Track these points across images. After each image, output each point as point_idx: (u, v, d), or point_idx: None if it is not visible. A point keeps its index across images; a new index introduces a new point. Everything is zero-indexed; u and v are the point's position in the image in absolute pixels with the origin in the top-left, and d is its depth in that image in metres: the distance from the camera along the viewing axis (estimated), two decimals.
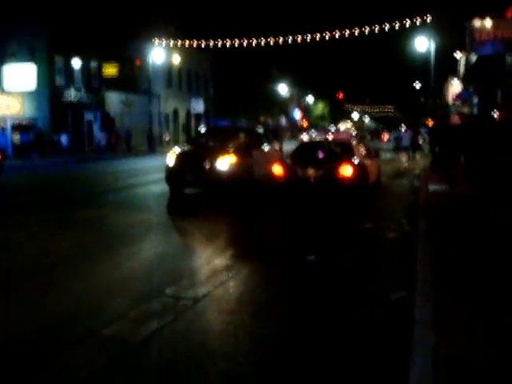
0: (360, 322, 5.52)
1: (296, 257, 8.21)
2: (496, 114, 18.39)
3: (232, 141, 15.13)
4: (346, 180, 12.60)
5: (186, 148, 16.03)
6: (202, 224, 10.75)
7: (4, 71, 31.77)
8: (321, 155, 13.71)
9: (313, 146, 15.83)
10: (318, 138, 31.22)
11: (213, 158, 13.89)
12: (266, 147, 16.29)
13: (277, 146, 17.82)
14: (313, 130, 74.04)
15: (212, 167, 13.82)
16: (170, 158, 14.52)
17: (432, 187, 14.68)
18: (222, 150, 14.26)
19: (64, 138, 35.23)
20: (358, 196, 12.78)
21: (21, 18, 31.72)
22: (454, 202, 11.98)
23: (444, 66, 41.85)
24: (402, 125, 46.55)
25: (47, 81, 34.68)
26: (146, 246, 9.02)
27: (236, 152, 14.25)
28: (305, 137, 67.06)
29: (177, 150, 15.46)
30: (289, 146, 29.56)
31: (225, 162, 13.83)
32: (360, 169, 13.02)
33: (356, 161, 13.19)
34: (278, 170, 13.29)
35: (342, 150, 13.93)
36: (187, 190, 14.84)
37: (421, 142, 35.59)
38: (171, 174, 14.39)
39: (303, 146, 15.92)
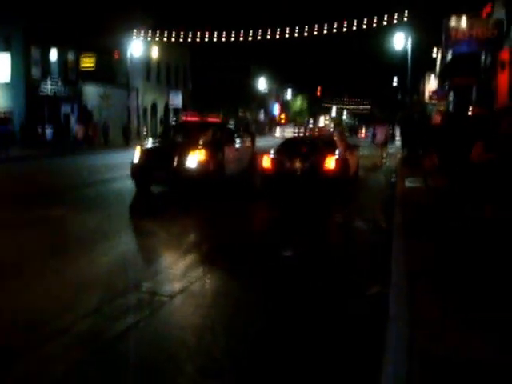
0: (334, 317, 5.57)
1: (271, 252, 8.24)
2: (471, 112, 18.68)
3: (202, 136, 14.59)
4: (329, 172, 13.28)
5: (153, 143, 15.37)
6: (174, 221, 10.56)
7: None
8: (306, 149, 14.25)
9: (298, 140, 16.55)
10: (293, 134, 31.18)
11: (181, 154, 13.39)
12: (237, 143, 15.96)
13: (248, 142, 17.30)
14: (287, 126, 74.11)
15: (181, 164, 13.31)
16: (137, 154, 13.98)
17: (408, 182, 14.88)
18: (192, 146, 13.73)
19: (49, 131, 34.90)
20: (340, 187, 13.45)
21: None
22: (429, 198, 12.18)
23: (421, 63, 42.25)
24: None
25: (23, 72, 34.24)
26: (120, 243, 8.94)
27: (206, 148, 13.79)
28: (277, 133, 67.22)
29: (144, 145, 14.97)
30: (263, 143, 29.64)
31: (194, 159, 13.36)
32: (342, 162, 13.69)
33: (339, 154, 13.79)
34: (266, 163, 13.85)
35: (325, 145, 14.46)
36: (154, 188, 14.22)
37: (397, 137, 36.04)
38: (137, 171, 13.79)
39: (289, 140, 16.25)
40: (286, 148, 14.65)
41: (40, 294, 6.13)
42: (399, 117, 40.67)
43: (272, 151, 14.40)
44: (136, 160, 13.88)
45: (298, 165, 13.48)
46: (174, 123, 40.59)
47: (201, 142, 14.08)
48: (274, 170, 13.74)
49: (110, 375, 4.33)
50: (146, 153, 13.99)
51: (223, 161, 14.21)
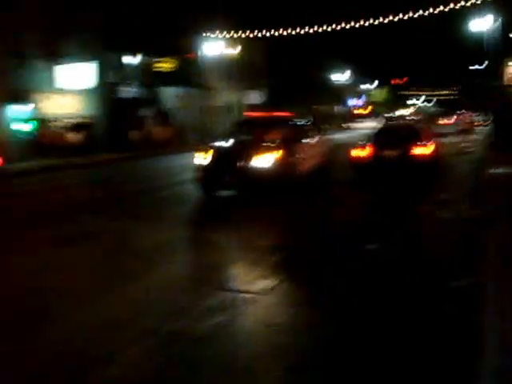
0: (426, 314, 5.35)
1: (357, 250, 8.00)
2: None
3: (271, 134, 13.47)
4: (423, 158, 13.91)
5: (219, 143, 13.95)
6: (250, 226, 9.97)
7: (58, 69, 32.02)
8: (397, 137, 14.94)
9: (389, 129, 17.52)
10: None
11: (250, 155, 12.38)
12: (311, 139, 15.03)
13: (323, 137, 16.18)
14: (360, 119, 73.22)
15: (249, 165, 12.31)
16: (202, 156, 13.00)
17: (494, 170, 14.28)
18: (261, 146, 12.73)
19: (135, 134, 35.79)
20: (432, 173, 13.96)
21: (79, 15, 32.01)
22: None
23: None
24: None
25: (102, 78, 34.95)
26: (197, 250, 9.01)
27: (277, 147, 12.74)
28: (344, 125, 66.20)
29: (208, 145, 13.78)
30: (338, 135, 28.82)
31: (264, 160, 12.38)
32: (433, 148, 14.38)
33: (429, 142, 14.61)
34: (360, 152, 14.46)
35: (413, 134, 15.15)
36: (222, 193, 13.22)
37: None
38: (204, 175, 12.88)
39: (382, 130, 16.76)
40: (379, 137, 15.18)
41: (126, 296, 6.25)
42: (492, 103, 38.61)
43: (363, 141, 14.93)
44: (202, 162, 12.96)
45: (391, 152, 14.00)
46: (237, 120, 40.08)
47: (270, 141, 13.06)
48: (368, 159, 14.17)
49: (194, 374, 4.34)
50: (212, 154, 13.00)
51: (294, 161, 13.09)
